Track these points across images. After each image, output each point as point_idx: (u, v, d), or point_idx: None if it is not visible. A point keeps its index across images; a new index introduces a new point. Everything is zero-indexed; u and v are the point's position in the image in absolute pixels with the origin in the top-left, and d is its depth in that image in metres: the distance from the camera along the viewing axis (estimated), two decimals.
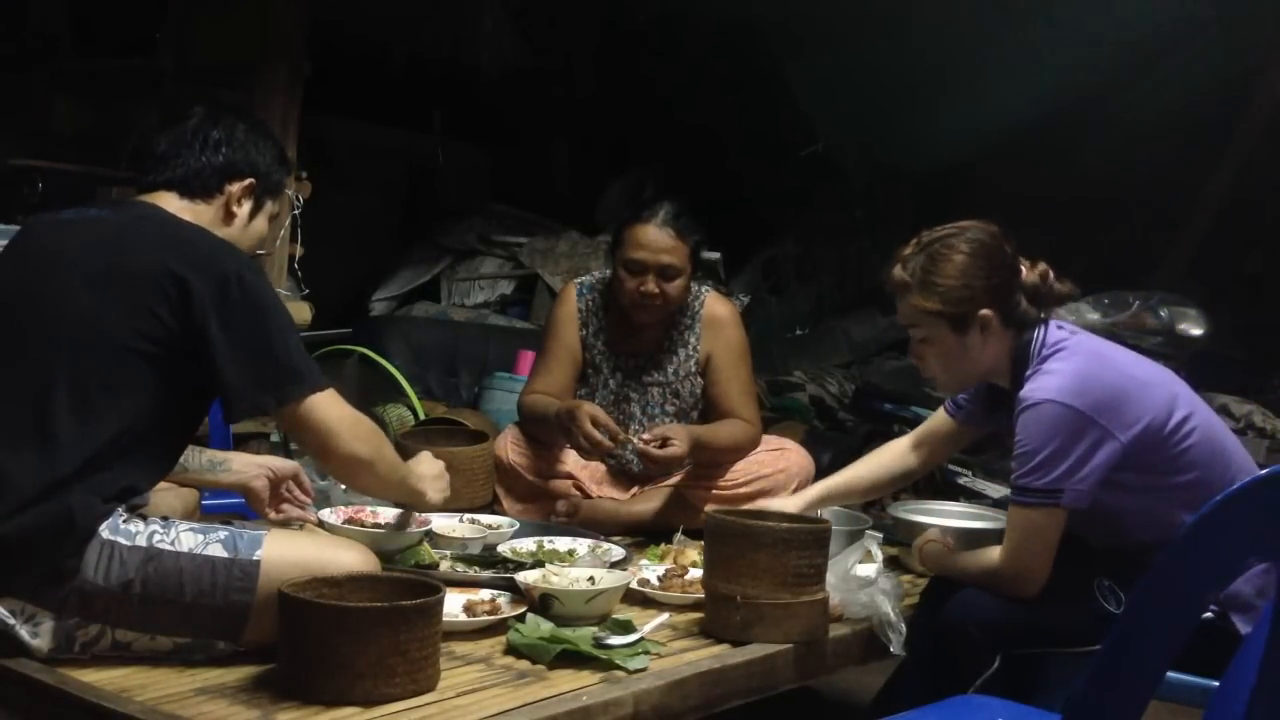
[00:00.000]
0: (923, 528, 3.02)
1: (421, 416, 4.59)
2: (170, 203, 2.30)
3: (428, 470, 2.51)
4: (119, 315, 2.11)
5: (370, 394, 5.05)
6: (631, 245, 3.30)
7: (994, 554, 2.51)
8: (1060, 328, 2.54)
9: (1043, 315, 2.55)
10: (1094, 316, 4.69)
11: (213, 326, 2.10)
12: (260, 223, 2.41)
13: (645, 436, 3.17)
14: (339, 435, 2.20)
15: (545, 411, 3.29)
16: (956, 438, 2.92)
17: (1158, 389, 2.46)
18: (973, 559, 2.60)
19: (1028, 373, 2.48)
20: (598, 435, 3.11)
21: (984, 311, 2.48)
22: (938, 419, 2.92)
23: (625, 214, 3.49)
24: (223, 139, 2.34)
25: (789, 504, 2.91)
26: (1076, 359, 2.45)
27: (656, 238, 3.29)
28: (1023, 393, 2.44)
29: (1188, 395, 2.50)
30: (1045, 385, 2.41)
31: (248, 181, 2.36)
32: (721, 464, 3.35)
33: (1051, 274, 2.55)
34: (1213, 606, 2.35)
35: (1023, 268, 2.55)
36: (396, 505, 2.63)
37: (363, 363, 5.31)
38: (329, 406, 2.19)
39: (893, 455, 2.98)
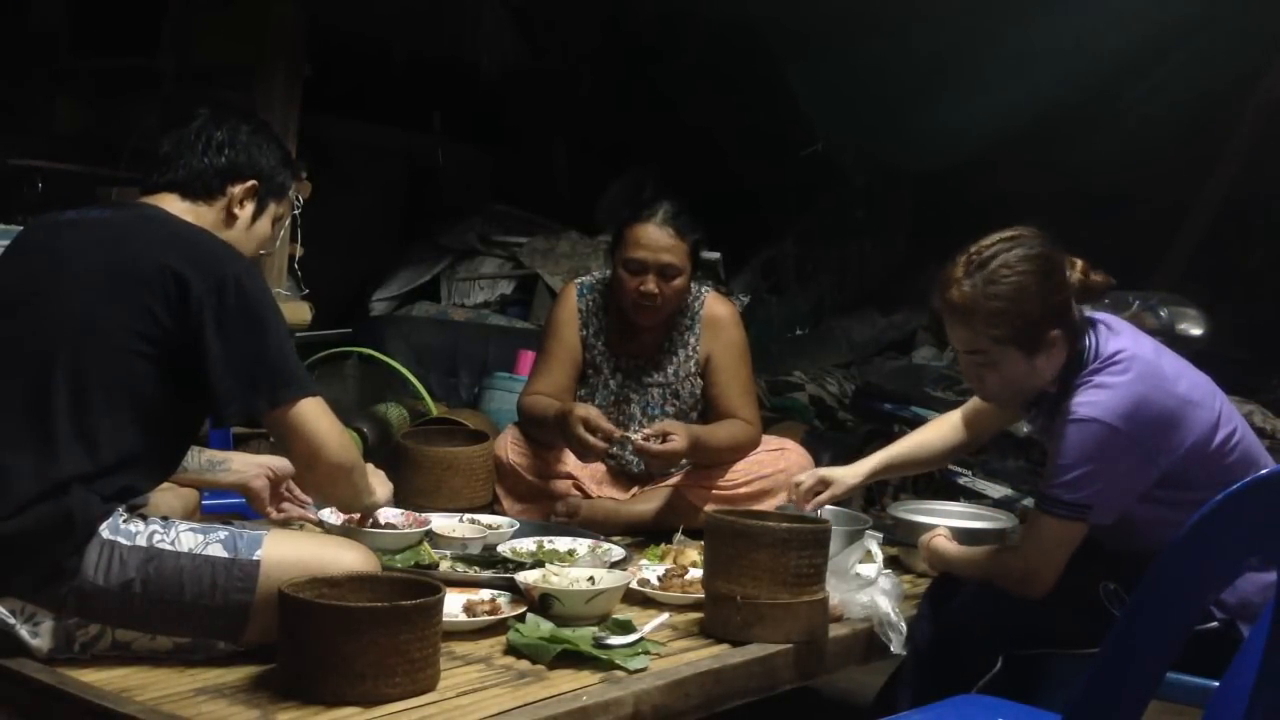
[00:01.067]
0: (923, 527, 3.02)
1: (434, 413, 4.59)
2: (173, 204, 2.30)
3: (371, 475, 2.50)
4: (119, 316, 2.11)
5: (369, 394, 5.05)
6: (631, 245, 3.30)
7: (1004, 552, 2.52)
8: (1110, 330, 2.45)
9: (1088, 314, 2.49)
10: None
11: (208, 327, 2.10)
12: (263, 225, 2.41)
13: (645, 432, 3.18)
14: (327, 443, 2.20)
15: (544, 413, 3.29)
16: (1003, 417, 2.92)
17: (1204, 409, 2.40)
18: (980, 555, 2.60)
19: (1078, 380, 2.41)
20: (591, 440, 3.12)
21: (1054, 332, 2.39)
22: (971, 402, 2.93)
23: (624, 214, 3.49)
24: (226, 141, 2.34)
25: (849, 473, 2.92)
26: (1129, 376, 2.37)
27: (656, 237, 3.28)
28: (1072, 403, 2.37)
29: (1229, 409, 2.45)
30: (1095, 401, 2.35)
31: (250, 183, 2.36)
32: (721, 464, 3.35)
33: (1091, 268, 2.47)
34: (1220, 614, 2.35)
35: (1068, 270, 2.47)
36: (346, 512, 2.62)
37: (362, 361, 5.32)
38: (318, 414, 2.20)
39: (949, 428, 2.98)
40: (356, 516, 2.65)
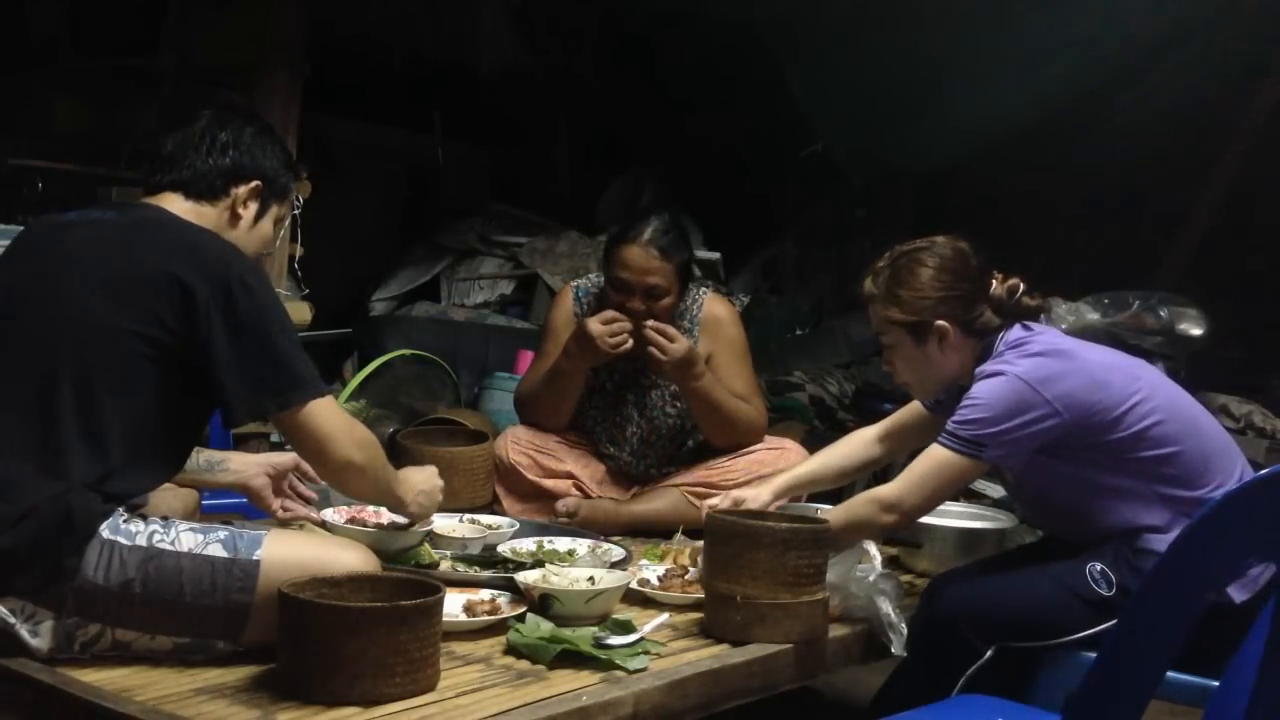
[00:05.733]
0: (922, 527, 3.02)
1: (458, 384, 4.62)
2: (176, 204, 2.30)
3: (417, 481, 2.52)
4: (124, 318, 2.11)
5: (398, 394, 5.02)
6: (617, 265, 3.31)
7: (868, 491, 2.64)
8: (1026, 328, 2.62)
9: (1006, 323, 2.64)
10: (1094, 316, 4.69)
11: (216, 331, 2.11)
12: (266, 225, 2.41)
13: (652, 323, 3.24)
14: (336, 441, 2.20)
15: (551, 368, 3.35)
16: (929, 428, 2.93)
17: (1115, 375, 2.54)
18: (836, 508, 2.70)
19: (988, 360, 2.59)
20: (610, 328, 3.22)
21: (940, 323, 2.61)
22: (910, 410, 2.98)
23: (615, 229, 3.49)
24: (230, 141, 2.34)
25: (761, 493, 2.91)
26: (1034, 347, 2.56)
27: (642, 259, 3.29)
28: (977, 370, 2.58)
29: (1151, 380, 2.58)
30: (999, 364, 2.54)
31: (254, 184, 2.36)
32: (722, 437, 3.38)
33: (1022, 288, 2.65)
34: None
35: (994, 281, 2.65)
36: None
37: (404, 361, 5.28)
38: (328, 413, 2.20)
39: (859, 444, 3.04)
40: (366, 514, 2.66)
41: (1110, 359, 2.62)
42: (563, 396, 3.39)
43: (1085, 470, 2.50)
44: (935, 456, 2.53)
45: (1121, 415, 2.48)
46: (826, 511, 2.75)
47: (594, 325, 3.24)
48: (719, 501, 2.89)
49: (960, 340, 2.63)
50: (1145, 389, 2.53)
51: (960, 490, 2.58)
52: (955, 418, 2.53)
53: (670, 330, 3.27)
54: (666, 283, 3.30)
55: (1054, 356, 2.54)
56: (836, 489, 3.32)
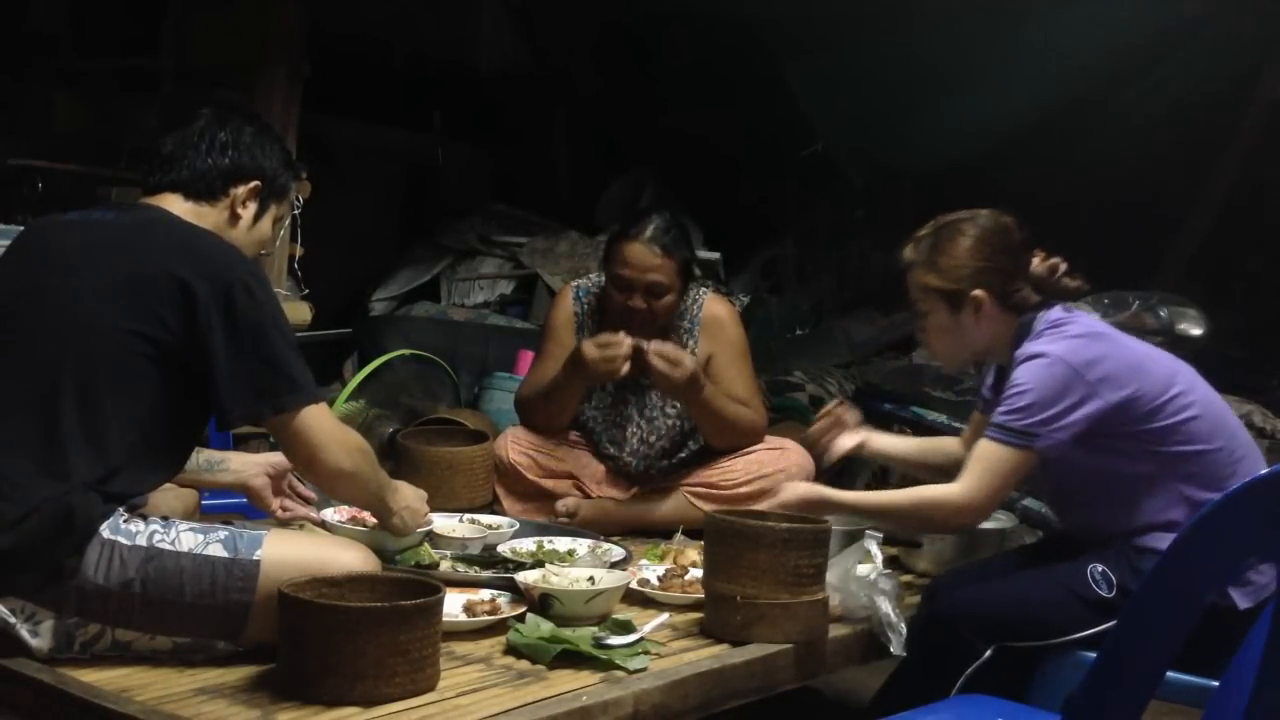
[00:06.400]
0: None
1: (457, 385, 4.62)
2: (175, 204, 2.30)
3: (407, 495, 2.52)
4: (125, 318, 2.11)
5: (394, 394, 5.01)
6: (619, 262, 3.31)
7: (929, 487, 2.59)
8: (1066, 309, 2.61)
9: (1046, 303, 2.61)
10: (1094, 316, 4.69)
11: (215, 332, 2.11)
12: (265, 225, 2.41)
13: (654, 346, 3.20)
14: (326, 448, 2.20)
15: (550, 383, 3.32)
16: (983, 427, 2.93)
17: (1155, 365, 2.53)
18: (895, 494, 2.69)
19: (1027, 340, 2.57)
20: (610, 353, 3.17)
21: (977, 292, 2.59)
22: (975, 415, 2.95)
23: (616, 227, 3.49)
24: (229, 141, 2.34)
25: (845, 442, 2.97)
26: (1076, 328, 2.55)
27: (644, 256, 3.28)
28: (1018, 352, 2.55)
29: (1189, 376, 2.56)
30: (1039, 342, 2.53)
31: (253, 184, 2.36)
32: (721, 440, 3.37)
33: (1063, 268, 2.64)
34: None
35: (1034, 258, 2.64)
36: None
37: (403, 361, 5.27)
38: (321, 420, 2.20)
39: (946, 443, 3.04)
40: (367, 514, 2.66)
41: (1148, 349, 2.61)
42: (562, 408, 3.40)
43: (1113, 461, 2.48)
44: (990, 454, 2.49)
45: (1160, 405, 2.46)
46: (884, 499, 2.72)
47: (589, 349, 3.21)
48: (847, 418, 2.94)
49: (995, 313, 2.61)
50: (1184, 383, 2.52)
51: (1020, 483, 2.54)
52: (1002, 408, 2.50)
53: (673, 353, 3.21)
54: (668, 280, 3.30)
55: (1094, 339, 2.53)
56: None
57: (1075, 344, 2.50)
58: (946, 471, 2.76)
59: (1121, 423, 2.46)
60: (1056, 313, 2.60)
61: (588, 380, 3.30)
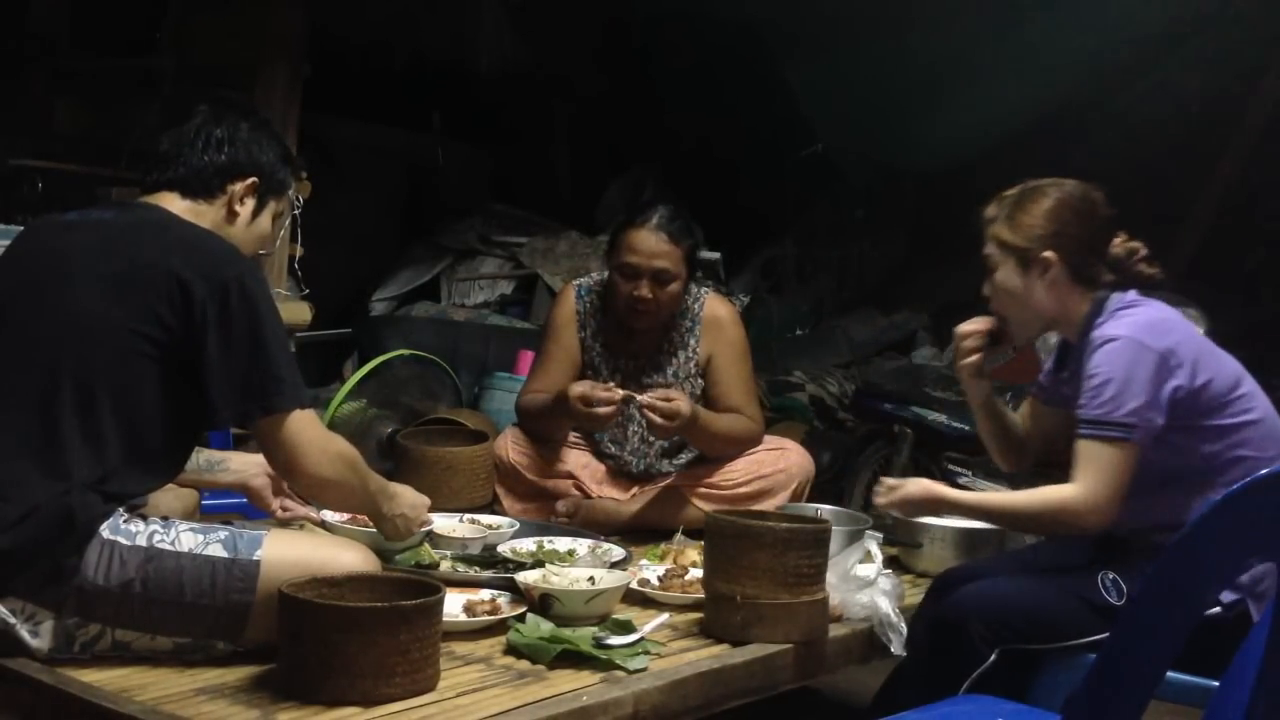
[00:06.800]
0: (922, 527, 3.02)
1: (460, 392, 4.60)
2: (173, 203, 2.30)
3: (406, 501, 2.50)
4: (124, 318, 2.11)
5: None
6: (625, 249, 3.30)
7: (1046, 490, 2.50)
8: (1141, 295, 2.57)
9: (1121, 285, 2.58)
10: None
11: (210, 332, 2.10)
12: (264, 222, 2.41)
13: (648, 397, 3.16)
14: (307, 454, 2.19)
15: (541, 407, 3.30)
16: (1040, 418, 2.86)
17: (1225, 360, 2.50)
18: (1012, 497, 2.59)
19: (1099, 320, 2.52)
20: (596, 411, 3.12)
21: (1047, 254, 2.54)
22: (1029, 402, 2.88)
23: (620, 218, 3.49)
24: (225, 138, 2.33)
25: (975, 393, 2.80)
26: (1150, 310, 2.51)
27: (650, 242, 3.28)
28: (1095, 333, 2.49)
29: (1252, 381, 2.53)
30: (1119, 325, 2.47)
31: (250, 180, 2.35)
32: (719, 454, 3.35)
33: (1142, 252, 2.61)
34: (1232, 595, 2.34)
35: (1116, 238, 2.61)
36: None
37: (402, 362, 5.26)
38: (305, 426, 2.19)
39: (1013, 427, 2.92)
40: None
41: (1215, 346, 2.56)
42: (551, 434, 3.40)
43: (1160, 453, 2.43)
44: (1095, 453, 2.41)
45: (1228, 401, 2.44)
46: (1005, 501, 2.65)
47: (575, 389, 3.16)
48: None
49: (1064, 281, 2.56)
50: (1250, 385, 2.49)
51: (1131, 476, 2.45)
52: (1091, 403, 2.42)
53: (665, 405, 3.13)
54: (675, 267, 3.29)
55: (1170, 323, 2.49)
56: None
57: (1153, 327, 2.44)
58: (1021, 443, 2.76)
59: (1187, 412, 2.42)
60: (1131, 296, 2.55)
61: (573, 422, 3.29)
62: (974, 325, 2.76)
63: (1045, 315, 2.62)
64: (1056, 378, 2.74)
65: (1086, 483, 2.42)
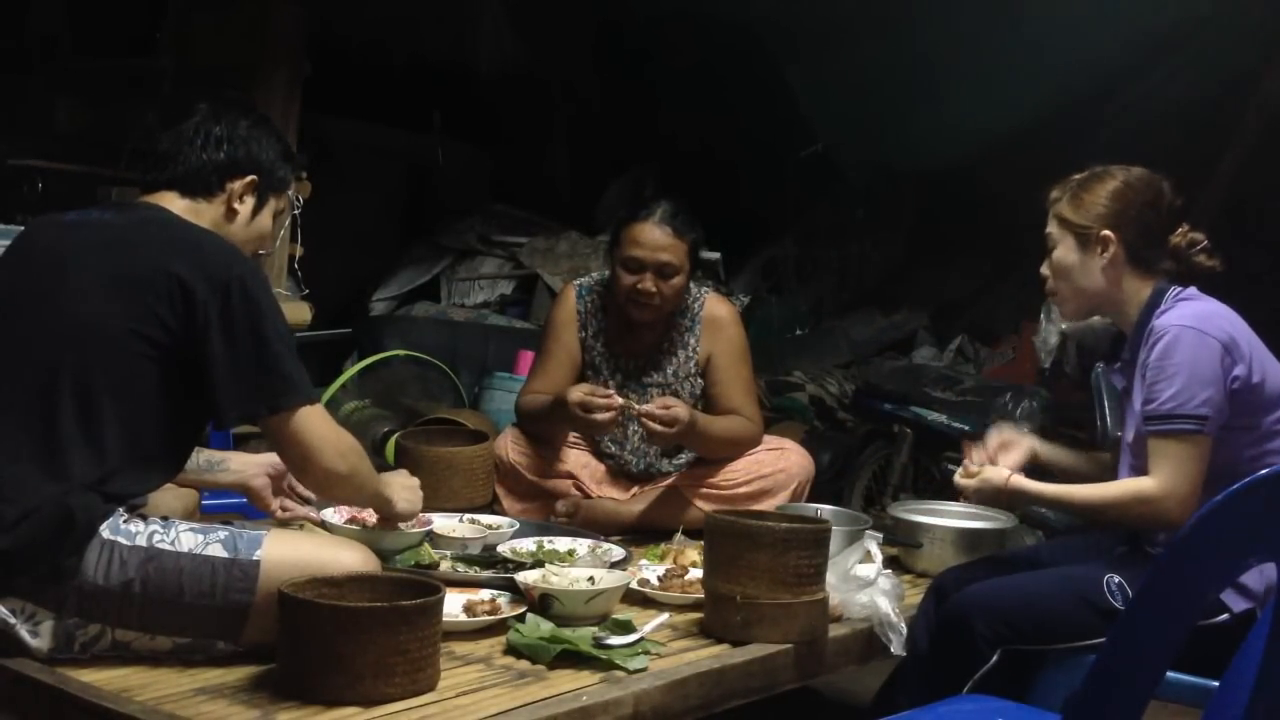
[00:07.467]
0: (923, 527, 3.02)
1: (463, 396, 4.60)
2: (173, 202, 2.30)
3: (398, 481, 2.53)
4: (124, 318, 2.11)
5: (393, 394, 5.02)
6: (629, 243, 3.30)
7: (1128, 483, 2.50)
8: (1195, 290, 2.57)
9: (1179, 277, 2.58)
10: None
11: (213, 332, 2.10)
12: (264, 220, 2.40)
13: (647, 406, 3.16)
14: (321, 451, 2.20)
15: (541, 408, 3.30)
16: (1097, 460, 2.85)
17: (1274, 362, 2.49)
18: (1094, 490, 2.54)
19: (1159, 311, 2.51)
20: (595, 417, 3.12)
21: (1107, 232, 2.55)
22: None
23: (623, 213, 3.49)
24: (224, 136, 2.33)
25: (1005, 464, 2.68)
26: (1209, 303, 2.51)
27: (654, 236, 3.28)
28: (1158, 323, 2.48)
29: None
30: (1181, 315, 2.46)
31: (250, 178, 2.35)
32: (719, 457, 3.35)
33: (1203, 244, 2.60)
34: (1244, 604, 2.34)
35: (1180, 228, 2.61)
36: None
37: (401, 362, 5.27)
38: (315, 421, 2.20)
39: (1099, 455, 2.90)
40: (366, 515, 2.66)
41: (1266, 348, 2.54)
42: (550, 436, 3.40)
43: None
44: (1169, 450, 2.40)
45: (1275, 401, 2.42)
46: (1086, 494, 2.59)
47: (574, 395, 3.15)
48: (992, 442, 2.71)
49: (1121, 264, 2.56)
50: None
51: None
52: (1161, 399, 2.40)
53: (663, 413, 3.12)
54: (678, 260, 3.29)
55: (1228, 318, 2.47)
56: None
57: (1213, 318, 2.44)
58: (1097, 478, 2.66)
59: (1239, 408, 2.41)
60: (1191, 290, 2.54)
61: (571, 426, 3.29)
62: (965, 481, 2.66)
63: (1097, 296, 2.61)
64: (1110, 368, 2.74)
65: (1164, 475, 2.41)
